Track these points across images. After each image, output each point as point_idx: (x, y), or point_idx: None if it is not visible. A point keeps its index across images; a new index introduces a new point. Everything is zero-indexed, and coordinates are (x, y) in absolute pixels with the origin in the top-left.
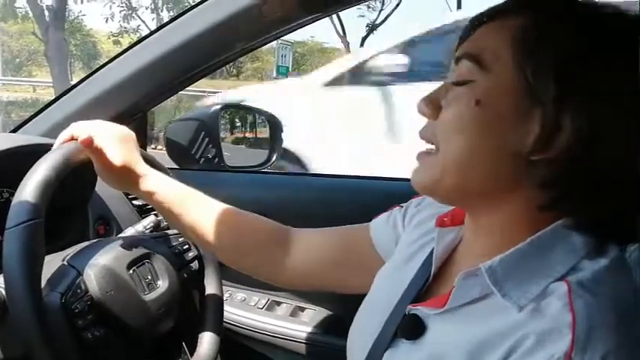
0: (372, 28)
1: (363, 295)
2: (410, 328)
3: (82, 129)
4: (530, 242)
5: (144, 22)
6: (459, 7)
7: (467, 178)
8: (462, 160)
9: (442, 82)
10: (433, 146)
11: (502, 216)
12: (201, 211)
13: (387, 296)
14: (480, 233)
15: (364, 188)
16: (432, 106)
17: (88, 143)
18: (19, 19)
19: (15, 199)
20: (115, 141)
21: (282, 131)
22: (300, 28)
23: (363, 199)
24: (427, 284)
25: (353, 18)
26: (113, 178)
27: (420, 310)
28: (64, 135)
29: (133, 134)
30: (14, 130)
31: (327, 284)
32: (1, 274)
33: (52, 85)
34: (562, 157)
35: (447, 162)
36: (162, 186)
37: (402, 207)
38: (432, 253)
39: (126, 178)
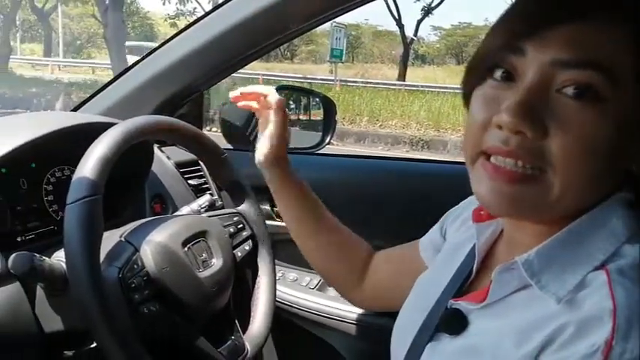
0: (428, 11)
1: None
2: (452, 322)
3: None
4: (569, 230)
5: (200, 4)
6: None
7: (584, 199)
8: (590, 183)
9: (527, 85)
10: (521, 163)
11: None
12: (317, 214)
13: (430, 291)
14: (524, 229)
15: (413, 170)
16: (538, 123)
17: (281, 104)
18: (80, 2)
19: (75, 176)
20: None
21: (335, 113)
22: (355, 8)
23: (413, 181)
24: (470, 278)
25: (409, 2)
26: (282, 149)
27: (462, 304)
28: (261, 89)
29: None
30: (75, 110)
31: (392, 305)
32: (62, 249)
33: (110, 66)
34: None
35: (571, 184)
36: (303, 186)
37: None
38: (473, 249)
39: (281, 162)
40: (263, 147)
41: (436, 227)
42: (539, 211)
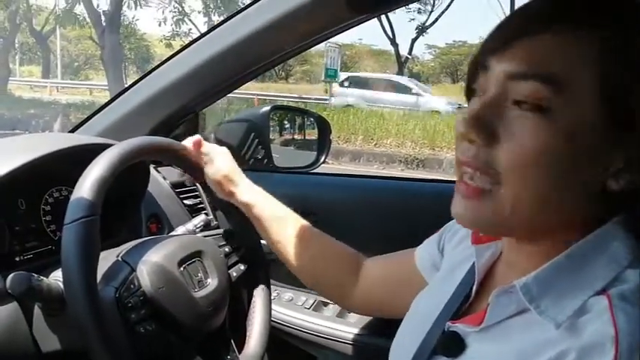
0: (422, 30)
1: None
2: (449, 345)
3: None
4: (567, 255)
5: (195, 25)
6: (511, 10)
7: (541, 214)
8: (539, 197)
9: (483, 99)
10: (479, 176)
11: (553, 239)
12: (292, 231)
13: (427, 312)
14: (523, 252)
15: (410, 190)
16: (485, 132)
17: (197, 145)
18: (78, 24)
19: (73, 197)
20: (217, 149)
21: (330, 133)
22: (349, 29)
23: (409, 200)
24: (469, 300)
25: (403, 21)
26: (217, 183)
27: (459, 327)
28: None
29: (227, 150)
30: (72, 131)
31: (388, 311)
32: (60, 268)
33: (107, 87)
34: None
35: (521, 198)
36: (260, 200)
37: (439, 233)
38: (471, 269)
39: (229, 185)
40: (212, 185)
41: (434, 239)
42: (499, 226)
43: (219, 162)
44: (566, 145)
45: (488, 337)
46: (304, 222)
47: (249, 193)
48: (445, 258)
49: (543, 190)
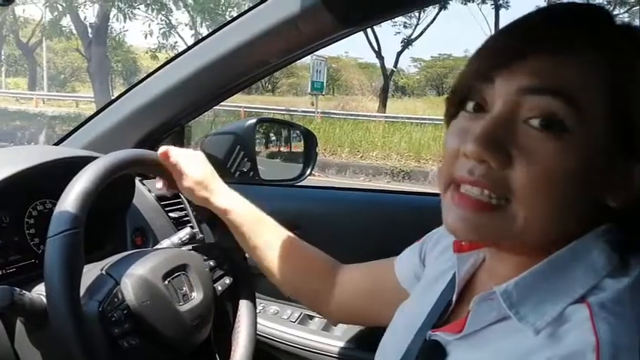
0: (408, 43)
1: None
2: (430, 354)
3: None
4: (548, 262)
5: (182, 38)
6: (496, 25)
7: (546, 231)
8: (549, 215)
9: (494, 115)
10: (487, 192)
11: (542, 249)
12: (269, 237)
13: (410, 322)
14: (505, 260)
15: (393, 202)
16: (500, 153)
17: (165, 156)
18: (64, 36)
19: (56, 210)
20: (188, 156)
21: (316, 145)
22: (335, 42)
23: (393, 213)
24: (450, 308)
25: (389, 34)
26: (189, 191)
27: (440, 335)
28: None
29: (202, 154)
30: (57, 143)
31: (364, 318)
32: (43, 282)
33: (94, 100)
34: (636, 201)
35: (532, 216)
36: (236, 206)
37: (421, 243)
38: (453, 278)
39: (202, 191)
40: (185, 192)
41: (414, 249)
42: (504, 240)
43: (190, 169)
44: (579, 166)
45: (468, 345)
46: (281, 228)
47: (224, 198)
48: (427, 268)
49: (554, 209)
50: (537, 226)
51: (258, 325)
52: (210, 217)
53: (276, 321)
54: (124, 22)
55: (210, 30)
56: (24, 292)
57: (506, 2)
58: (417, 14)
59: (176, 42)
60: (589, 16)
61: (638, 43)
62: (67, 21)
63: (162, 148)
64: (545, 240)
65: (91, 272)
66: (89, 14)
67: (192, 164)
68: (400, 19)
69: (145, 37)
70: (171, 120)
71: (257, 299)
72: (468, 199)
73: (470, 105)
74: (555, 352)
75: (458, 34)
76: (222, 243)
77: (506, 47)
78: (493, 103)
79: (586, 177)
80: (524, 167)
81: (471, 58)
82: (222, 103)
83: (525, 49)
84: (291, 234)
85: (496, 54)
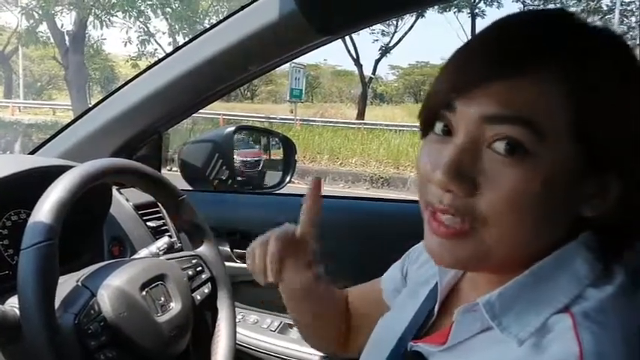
0: (385, 50)
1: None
2: None
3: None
4: (530, 272)
5: (160, 46)
6: (472, 33)
7: (521, 249)
8: (518, 235)
9: (458, 144)
10: (458, 219)
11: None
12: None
13: (390, 332)
14: (487, 273)
15: (373, 209)
16: (466, 183)
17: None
18: (41, 44)
19: (30, 220)
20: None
21: (295, 153)
22: (313, 50)
23: (373, 219)
24: (432, 319)
25: (367, 42)
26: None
27: (422, 347)
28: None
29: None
30: (33, 152)
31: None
32: (16, 295)
33: (71, 108)
34: (613, 209)
35: (503, 238)
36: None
37: (402, 260)
38: (435, 287)
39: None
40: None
41: (397, 265)
42: (480, 263)
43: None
44: (546, 187)
45: (452, 357)
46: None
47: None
48: (409, 281)
49: (525, 230)
50: (510, 247)
51: (237, 335)
52: (188, 226)
53: (256, 330)
54: (101, 29)
55: (188, 38)
56: None
57: (482, 11)
58: (394, 22)
59: (156, 49)
60: (548, 28)
61: (601, 45)
62: (43, 28)
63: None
64: (523, 256)
65: (66, 284)
66: (66, 22)
67: (297, 273)
68: (378, 27)
69: (125, 44)
70: (149, 128)
71: (236, 308)
72: (442, 226)
73: (438, 127)
74: None
75: (435, 41)
76: (200, 252)
77: (464, 73)
78: (457, 129)
79: (555, 195)
80: (489, 193)
81: (436, 78)
82: (200, 111)
83: (482, 75)
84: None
85: (456, 78)
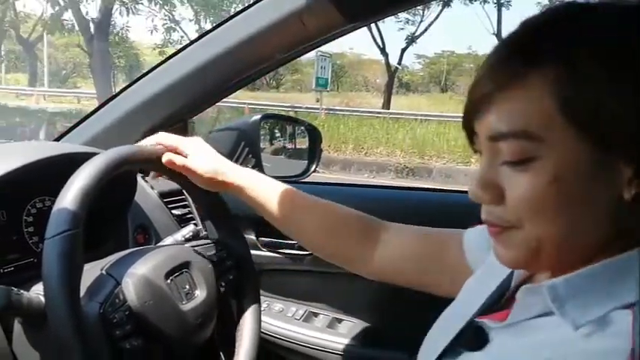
0: (412, 39)
1: (400, 308)
2: (472, 338)
3: (166, 136)
4: (604, 265)
5: (186, 33)
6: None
7: (568, 244)
8: (555, 233)
9: (482, 160)
10: (498, 228)
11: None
12: (293, 205)
13: (464, 308)
14: (546, 268)
15: (399, 198)
16: (494, 191)
17: (171, 163)
18: (66, 31)
19: (55, 208)
20: (193, 154)
21: (321, 142)
22: (340, 37)
23: (398, 209)
24: (504, 298)
25: (392, 31)
26: (205, 186)
27: (485, 322)
28: (150, 140)
29: (200, 142)
30: (57, 139)
31: (408, 281)
32: (41, 282)
33: (95, 96)
34: None
35: (540, 236)
36: (252, 181)
37: None
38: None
39: (217, 183)
40: (197, 182)
41: (485, 231)
42: (535, 260)
43: (199, 166)
44: (560, 183)
45: (509, 334)
46: (303, 193)
47: (240, 179)
48: (491, 255)
49: (558, 226)
50: (555, 244)
51: (262, 323)
52: (214, 214)
53: (281, 319)
54: (127, 16)
55: (214, 25)
56: (22, 291)
57: (508, 2)
58: (420, 11)
59: (182, 37)
60: (537, 33)
61: (591, 32)
62: (68, 16)
63: (165, 156)
64: (575, 251)
65: (91, 272)
66: (91, 9)
67: (199, 160)
68: (403, 16)
69: (151, 32)
70: (174, 115)
71: (261, 297)
72: (492, 234)
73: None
74: (588, 347)
75: (461, 31)
76: (226, 240)
77: (475, 92)
78: (481, 147)
79: (573, 189)
80: (512, 201)
81: None
82: (225, 100)
83: (489, 93)
84: (317, 198)
85: (470, 104)
